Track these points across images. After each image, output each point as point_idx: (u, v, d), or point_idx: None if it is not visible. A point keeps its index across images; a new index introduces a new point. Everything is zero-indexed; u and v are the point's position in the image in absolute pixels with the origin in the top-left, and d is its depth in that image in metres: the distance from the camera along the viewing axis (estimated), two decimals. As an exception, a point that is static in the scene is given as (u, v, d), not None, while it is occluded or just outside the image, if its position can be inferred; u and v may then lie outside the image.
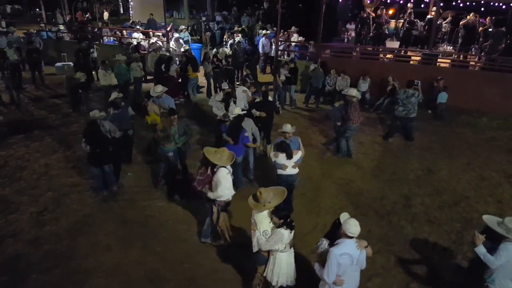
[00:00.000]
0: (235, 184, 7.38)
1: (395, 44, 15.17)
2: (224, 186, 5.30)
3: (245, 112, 7.38)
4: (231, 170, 5.51)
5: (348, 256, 3.92)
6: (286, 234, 4.35)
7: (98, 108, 7.30)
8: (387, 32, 15.97)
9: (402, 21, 16.21)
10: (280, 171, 6.25)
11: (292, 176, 6.25)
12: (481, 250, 4.16)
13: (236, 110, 7.13)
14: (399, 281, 5.32)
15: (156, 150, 7.44)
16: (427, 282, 5.33)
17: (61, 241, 5.90)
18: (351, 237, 3.91)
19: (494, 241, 4.20)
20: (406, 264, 5.62)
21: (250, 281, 5.06)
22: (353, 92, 8.22)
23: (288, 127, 6.25)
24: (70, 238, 5.97)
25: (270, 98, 8.81)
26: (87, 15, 23.68)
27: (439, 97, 10.99)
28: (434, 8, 14.15)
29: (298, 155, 6.22)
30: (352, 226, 3.90)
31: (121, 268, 5.42)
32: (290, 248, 4.56)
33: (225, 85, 9.32)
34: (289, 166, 6.17)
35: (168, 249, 5.79)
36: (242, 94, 8.79)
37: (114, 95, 7.75)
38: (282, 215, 4.40)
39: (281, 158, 6.15)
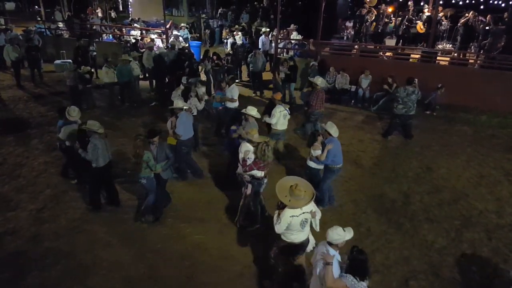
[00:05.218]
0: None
1: (394, 42, 15.16)
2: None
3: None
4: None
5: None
6: None
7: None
8: (387, 30, 15.96)
9: (401, 18, 16.22)
10: None
11: (309, 167, 6.63)
12: None
13: (252, 111, 6.81)
14: (399, 278, 5.33)
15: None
16: (426, 280, 5.34)
17: (60, 238, 5.90)
18: (330, 243, 3.93)
19: None
20: (405, 261, 5.64)
21: (250, 280, 5.07)
22: (318, 80, 8.83)
23: (329, 125, 6.44)
24: (70, 235, 5.97)
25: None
26: (86, 14, 23.56)
27: None
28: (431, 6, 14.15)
29: (315, 151, 6.43)
30: (332, 232, 3.91)
31: (121, 264, 5.42)
32: None
33: (184, 80, 9.51)
34: (310, 155, 6.55)
35: (168, 246, 5.79)
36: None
37: (73, 110, 6.84)
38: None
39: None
